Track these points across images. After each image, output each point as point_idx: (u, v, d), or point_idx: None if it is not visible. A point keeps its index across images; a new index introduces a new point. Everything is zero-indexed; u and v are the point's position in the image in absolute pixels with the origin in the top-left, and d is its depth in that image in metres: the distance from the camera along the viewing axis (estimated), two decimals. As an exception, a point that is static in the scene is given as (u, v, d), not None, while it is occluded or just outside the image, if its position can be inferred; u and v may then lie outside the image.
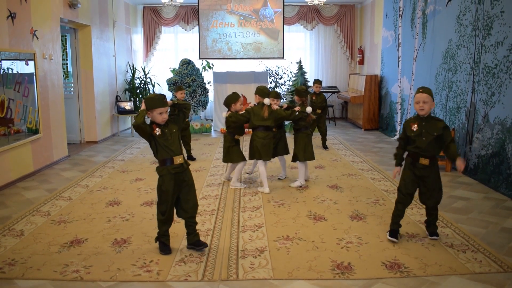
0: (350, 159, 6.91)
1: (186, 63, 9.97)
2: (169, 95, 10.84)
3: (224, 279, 3.05)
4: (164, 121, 3.30)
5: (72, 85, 8.35)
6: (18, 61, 5.73)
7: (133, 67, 10.71)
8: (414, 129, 3.52)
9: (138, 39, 11.54)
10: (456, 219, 4.20)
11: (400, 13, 8.67)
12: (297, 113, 5.24)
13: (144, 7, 11.59)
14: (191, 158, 6.87)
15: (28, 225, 4.09)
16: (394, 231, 3.68)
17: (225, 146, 5.34)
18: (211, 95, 10.65)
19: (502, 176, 5.15)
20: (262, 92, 5.30)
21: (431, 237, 3.70)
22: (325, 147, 7.80)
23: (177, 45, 12.08)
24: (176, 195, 3.40)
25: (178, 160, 3.33)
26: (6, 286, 2.98)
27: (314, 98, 7.76)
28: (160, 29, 11.77)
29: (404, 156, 3.71)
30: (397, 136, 8.60)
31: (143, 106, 3.28)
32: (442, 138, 3.47)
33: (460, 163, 3.38)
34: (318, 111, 7.53)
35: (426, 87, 3.54)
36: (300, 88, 5.66)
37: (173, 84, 9.79)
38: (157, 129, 3.29)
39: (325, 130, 7.78)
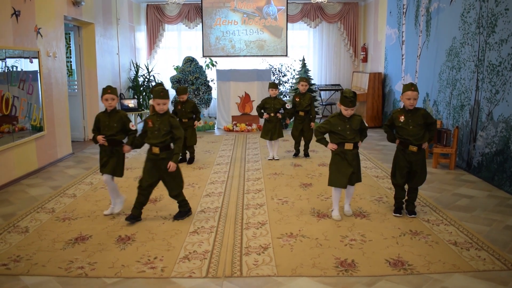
0: (354, 157, 6.89)
1: (190, 61, 9.97)
2: (172, 92, 10.85)
3: (228, 276, 3.06)
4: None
5: (76, 82, 8.37)
6: (23, 59, 5.75)
7: (136, 65, 10.73)
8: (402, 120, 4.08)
9: (141, 37, 11.55)
10: (460, 217, 4.19)
11: (404, 10, 8.64)
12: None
13: (147, 5, 11.60)
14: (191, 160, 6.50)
15: (33, 222, 4.12)
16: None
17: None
18: (214, 93, 10.65)
19: (506, 174, 5.14)
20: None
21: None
22: (306, 154, 6.85)
23: (180, 43, 12.08)
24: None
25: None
26: (11, 282, 3.00)
27: (298, 99, 6.54)
28: (164, 27, 11.78)
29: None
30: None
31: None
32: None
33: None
34: (301, 113, 6.53)
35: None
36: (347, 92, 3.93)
37: (176, 82, 9.79)
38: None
39: (310, 137, 6.57)
